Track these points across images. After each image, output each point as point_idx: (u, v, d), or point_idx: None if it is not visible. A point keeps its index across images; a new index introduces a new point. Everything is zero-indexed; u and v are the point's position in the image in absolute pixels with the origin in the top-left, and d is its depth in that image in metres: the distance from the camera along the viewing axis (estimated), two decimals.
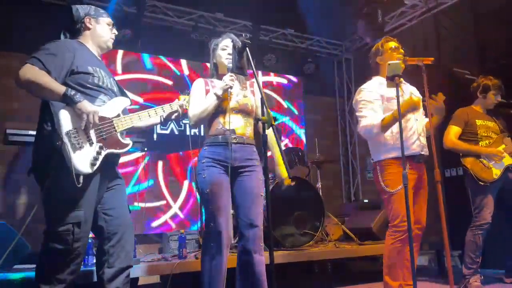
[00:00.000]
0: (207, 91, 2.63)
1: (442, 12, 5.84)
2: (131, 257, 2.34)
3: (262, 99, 2.17)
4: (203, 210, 3.87)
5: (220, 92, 2.50)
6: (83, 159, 2.05)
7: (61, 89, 2.05)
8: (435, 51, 5.78)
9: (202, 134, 2.78)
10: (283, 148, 5.50)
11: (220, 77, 2.70)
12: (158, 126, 5.71)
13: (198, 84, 2.68)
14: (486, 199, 3.52)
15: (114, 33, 2.47)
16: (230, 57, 2.59)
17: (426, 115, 3.01)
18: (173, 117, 2.59)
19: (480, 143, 3.65)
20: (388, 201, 2.84)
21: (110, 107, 2.27)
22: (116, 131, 2.24)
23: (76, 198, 2.08)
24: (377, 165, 2.92)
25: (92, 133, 2.13)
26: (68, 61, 2.16)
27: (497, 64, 4.78)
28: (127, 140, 2.31)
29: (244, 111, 2.63)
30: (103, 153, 2.15)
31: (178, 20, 5.97)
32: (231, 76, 2.52)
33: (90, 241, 3.07)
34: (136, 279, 3.19)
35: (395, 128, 2.83)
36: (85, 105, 2.08)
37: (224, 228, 2.45)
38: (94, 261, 3.05)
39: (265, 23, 6.46)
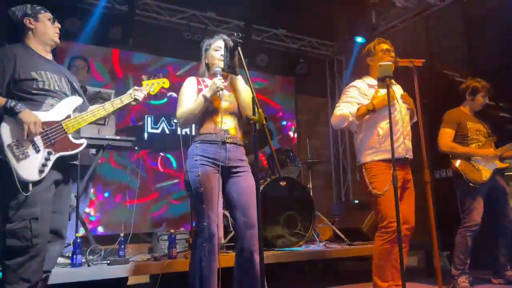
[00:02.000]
0: (199, 90, 2.60)
1: (433, 14, 5.89)
2: (53, 264, 2.37)
3: (253, 98, 2.17)
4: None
5: (209, 94, 2.47)
6: (30, 167, 2.10)
7: (1, 101, 2.10)
8: (426, 53, 5.82)
9: (193, 133, 2.75)
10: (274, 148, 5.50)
11: (212, 77, 2.69)
12: (149, 125, 5.72)
13: (190, 83, 2.64)
14: (475, 200, 3.54)
15: (57, 26, 2.42)
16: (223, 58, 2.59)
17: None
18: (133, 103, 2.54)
19: (470, 145, 3.68)
20: (376, 203, 2.85)
21: (58, 110, 2.28)
22: (66, 133, 2.26)
23: (31, 197, 2.10)
24: (362, 167, 2.94)
25: (38, 140, 2.15)
26: (9, 71, 2.18)
27: (486, 67, 4.82)
28: (80, 140, 2.34)
29: (236, 113, 2.63)
30: (53, 157, 2.19)
31: (170, 18, 5.94)
32: (221, 78, 2.49)
33: (78, 240, 3.05)
34: (126, 278, 3.17)
35: (381, 130, 2.86)
36: (25, 115, 2.10)
37: (219, 228, 2.44)
38: (83, 260, 3.06)
39: (257, 23, 6.46)
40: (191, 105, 2.52)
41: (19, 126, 2.10)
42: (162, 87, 2.68)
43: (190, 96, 2.58)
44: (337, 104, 3.02)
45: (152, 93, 2.64)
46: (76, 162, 2.43)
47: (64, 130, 2.26)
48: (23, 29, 2.35)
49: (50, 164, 2.16)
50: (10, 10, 2.35)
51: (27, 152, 2.11)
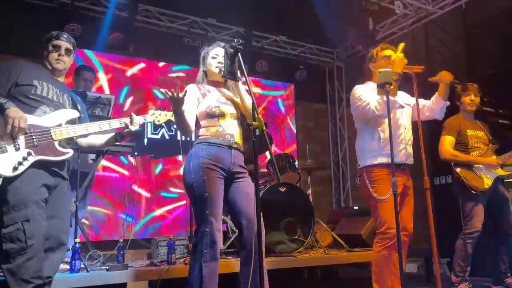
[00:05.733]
0: (203, 95, 2.61)
1: (432, 22, 5.92)
2: (55, 270, 2.39)
3: (253, 104, 2.17)
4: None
5: (173, 109, 2.42)
6: (4, 162, 2.16)
7: None
8: (425, 60, 5.85)
9: (193, 139, 2.75)
10: (274, 154, 5.50)
11: (209, 84, 2.71)
12: (149, 130, 5.72)
13: (190, 92, 2.62)
14: (476, 207, 3.55)
15: (61, 54, 2.51)
16: (221, 65, 2.60)
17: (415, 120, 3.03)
18: (125, 130, 2.57)
19: (471, 153, 3.69)
20: (376, 207, 2.85)
21: (51, 117, 2.38)
22: (53, 139, 2.33)
23: (21, 200, 2.17)
24: (363, 170, 2.94)
25: (21, 139, 2.23)
26: (14, 77, 2.33)
27: (486, 73, 4.84)
28: (66, 149, 2.39)
29: (239, 118, 2.64)
30: (32, 159, 2.24)
31: (170, 24, 5.96)
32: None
33: (78, 245, 3.04)
34: (124, 284, 3.15)
35: (382, 134, 2.86)
36: (12, 111, 2.19)
37: (219, 235, 2.44)
38: (82, 266, 3.05)
39: (258, 29, 6.48)
40: (190, 121, 2.51)
41: (4, 122, 2.18)
42: (170, 119, 2.70)
43: (191, 104, 2.56)
44: (359, 103, 2.89)
45: (158, 123, 2.70)
46: (63, 173, 2.43)
47: (51, 136, 2.33)
48: (41, 53, 2.52)
49: (27, 164, 2.21)
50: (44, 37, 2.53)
51: (5, 147, 2.18)
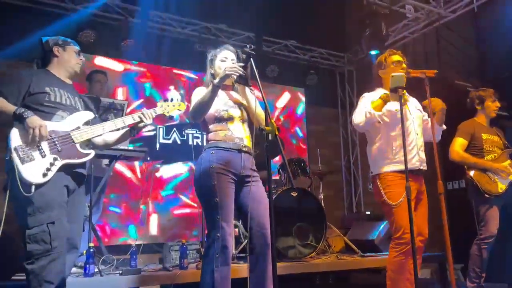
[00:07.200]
0: None
1: (443, 25, 5.89)
2: (67, 273, 2.40)
3: (266, 108, 2.18)
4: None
5: (217, 81, 2.45)
6: (34, 170, 2.20)
7: (12, 109, 2.26)
8: (437, 64, 5.82)
9: (204, 143, 2.77)
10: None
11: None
12: (161, 135, 5.75)
13: (199, 90, 2.66)
14: (491, 211, 3.51)
15: (81, 59, 2.64)
16: None
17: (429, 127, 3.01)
18: (140, 124, 2.62)
19: (485, 157, 3.65)
20: (390, 213, 2.83)
21: (69, 121, 2.44)
22: (74, 142, 2.38)
23: (45, 202, 2.20)
24: (376, 178, 2.93)
25: (45, 146, 2.28)
26: (25, 86, 2.37)
27: (498, 76, 4.80)
28: (88, 151, 2.45)
29: (249, 122, 2.65)
30: (58, 163, 2.29)
31: (182, 30, 6.01)
32: (233, 66, 2.44)
33: (91, 250, 3.07)
34: None
35: (395, 142, 2.85)
36: (32, 120, 2.23)
37: (231, 239, 2.44)
38: (96, 270, 3.08)
39: (268, 34, 6.51)
40: (201, 95, 2.51)
41: (27, 131, 2.22)
42: (178, 109, 2.76)
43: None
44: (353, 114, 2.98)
45: (167, 114, 2.72)
46: (84, 172, 2.50)
47: (72, 139, 2.38)
48: (49, 56, 2.56)
49: (55, 169, 2.26)
50: (45, 39, 2.57)
51: (32, 155, 2.22)
